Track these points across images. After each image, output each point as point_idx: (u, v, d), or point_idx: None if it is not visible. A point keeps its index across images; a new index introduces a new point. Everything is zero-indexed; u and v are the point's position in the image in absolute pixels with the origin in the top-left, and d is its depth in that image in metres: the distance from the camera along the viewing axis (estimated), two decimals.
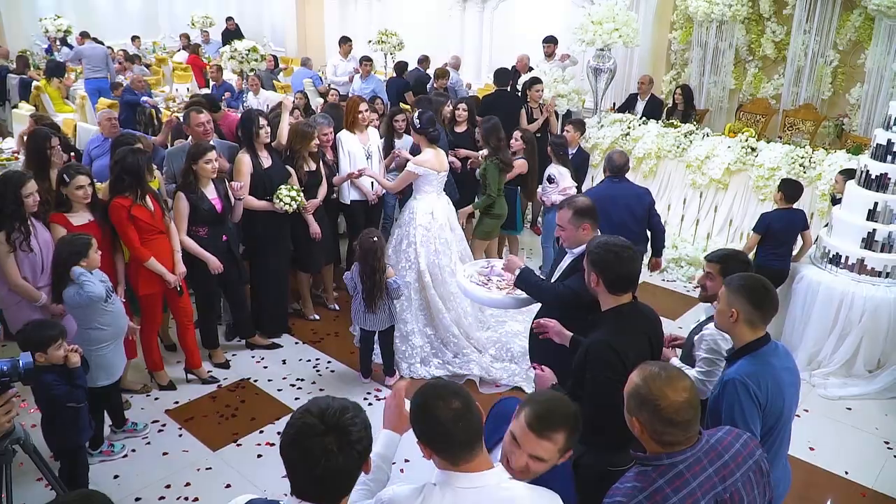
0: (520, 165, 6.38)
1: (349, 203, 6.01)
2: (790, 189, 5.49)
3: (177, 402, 4.83)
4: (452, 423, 1.92)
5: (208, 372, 5.12)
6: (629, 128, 7.97)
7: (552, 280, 3.60)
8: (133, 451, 4.34)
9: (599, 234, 3.40)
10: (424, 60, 10.71)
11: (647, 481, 2.04)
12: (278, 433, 4.47)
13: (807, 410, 4.94)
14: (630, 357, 2.64)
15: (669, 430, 2.03)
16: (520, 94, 7.98)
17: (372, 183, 5.97)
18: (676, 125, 7.77)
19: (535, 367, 3.11)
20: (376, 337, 5.03)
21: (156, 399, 4.86)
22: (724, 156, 7.21)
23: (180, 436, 4.50)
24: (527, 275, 3.62)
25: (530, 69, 9.10)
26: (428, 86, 9.65)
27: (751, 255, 5.68)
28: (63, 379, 3.55)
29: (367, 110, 5.93)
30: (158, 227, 4.55)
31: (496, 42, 12.31)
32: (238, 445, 4.42)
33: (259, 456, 4.33)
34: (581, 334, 3.39)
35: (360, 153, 5.90)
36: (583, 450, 2.66)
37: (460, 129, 6.85)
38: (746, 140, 7.21)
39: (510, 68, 9.19)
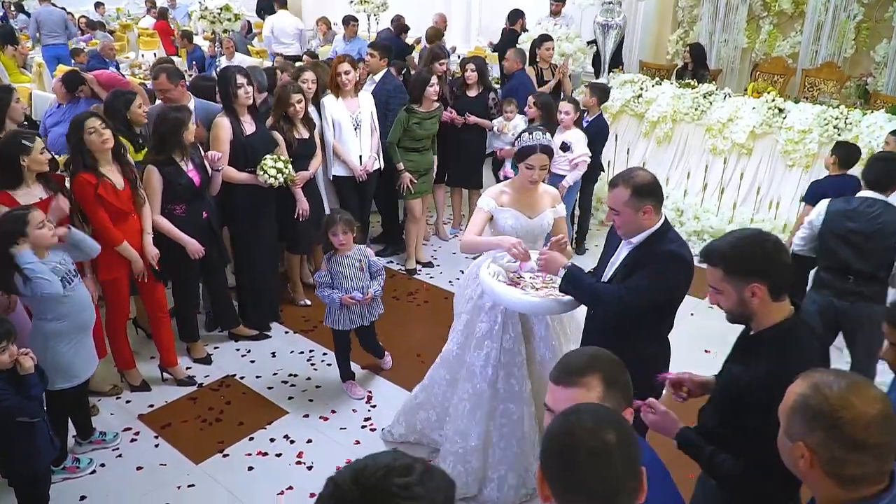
0: None
1: (332, 178, 5.39)
2: (846, 153, 4.90)
3: (151, 406, 4.19)
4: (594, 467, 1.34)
5: (187, 369, 4.47)
6: (641, 89, 7.34)
7: (605, 279, 2.89)
8: (102, 465, 3.72)
9: (664, 217, 2.76)
10: (398, 20, 9.40)
11: None
12: (271, 440, 3.89)
13: None
14: None
15: (855, 457, 1.42)
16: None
17: (360, 157, 5.31)
18: (693, 86, 7.15)
19: (644, 405, 2.28)
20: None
21: (127, 402, 4.22)
22: (749, 118, 6.61)
23: (157, 446, 3.87)
24: (576, 276, 2.85)
25: (525, 30, 8.43)
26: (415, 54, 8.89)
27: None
28: (12, 388, 2.91)
29: (347, 72, 5.19)
30: (126, 208, 3.88)
31: (486, 1, 11.56)
32: (225, 456, 3.81)
33: (250, 469, 3.72)
34: (636, 348, 2.73)
35: (346, 121, 5.24)
36: None
37: (472, 92, 6.16)
38: (773, 101, 6.62)
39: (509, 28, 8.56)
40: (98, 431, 3.84)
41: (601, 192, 6.89)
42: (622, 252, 2.81)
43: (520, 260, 3.23)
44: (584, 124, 5.83)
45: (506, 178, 6.07)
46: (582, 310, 3.12)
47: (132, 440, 3.90)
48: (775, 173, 6.55)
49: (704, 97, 6.94)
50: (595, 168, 6.05)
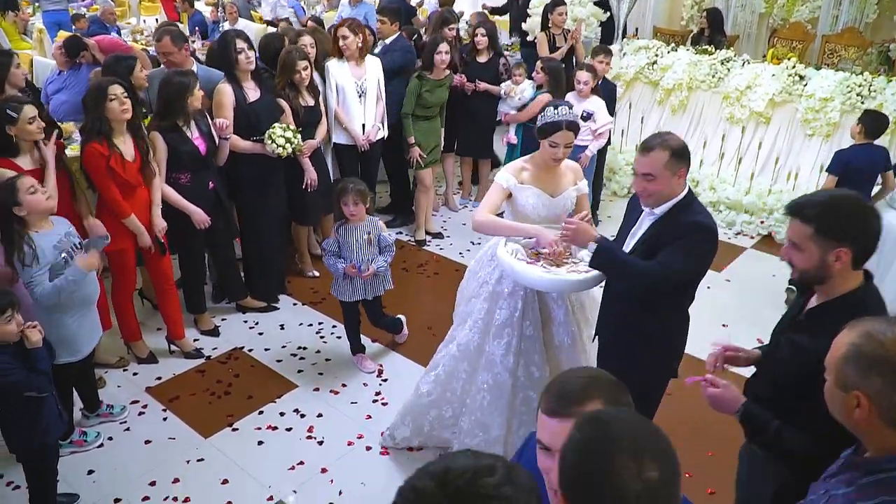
0: (544, 100, 5.59)
1: (333, 146, 5.25)
2: (873, 121, 4.73)
3: (159, 379, 4.12)
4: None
5: (194, 341, 4.39)
6: (656, 56, 7.14)
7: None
8: (110, 439, 3.65)
9: (688, 186, 2.61)
10: None
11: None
12: (281, 414, 3.81)
13: None
14: None
15: None
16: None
17: (364, 125, 5.16)
18: (711, 52, 6.95)
19: (703, 381, 2.15)
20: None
21: (134, 375, 4.15)
22: (768, 85, 6.42)
23: (165, 419, 3.81)
24: (609, 250, 2.63)
25: None
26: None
27: None
28: (18, 362, 2.82)
29: (345, 37, 4.97)
30: (133, 181, 3.76)
31: None
32: (234, 430, 3.74)
33: (260, 443, 3.65)
34: (660, 319, 2.67)
35: (350, 87, 5.08)
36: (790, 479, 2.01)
37: (482, 58, 5.98)
38: (793, 67, 6.42)
39: None
40: (105, 404, 3.78)
41: (611, 162, 6.75)
42: (644, 223, 2.67)
43: (553, 258, 3.03)
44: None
45: (509, 144, 5.96)
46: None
47: (140, 413, 3.84)
48: (794, 143, 6.38)
49: (722, 64, 6.75)
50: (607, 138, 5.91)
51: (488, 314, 3.31)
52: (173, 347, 4.31)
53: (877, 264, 4.78)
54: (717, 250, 2.62)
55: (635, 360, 2.66)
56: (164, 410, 3.86)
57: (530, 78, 5.85)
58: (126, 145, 3.71)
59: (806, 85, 6.30)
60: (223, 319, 4.68)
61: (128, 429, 3.72)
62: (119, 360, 4.19)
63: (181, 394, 3.99)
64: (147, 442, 3.63)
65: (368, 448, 3.63)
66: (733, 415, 2.10)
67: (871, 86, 6.06)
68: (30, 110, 3.40)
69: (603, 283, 2.91)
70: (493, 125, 6.21)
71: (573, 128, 3.06)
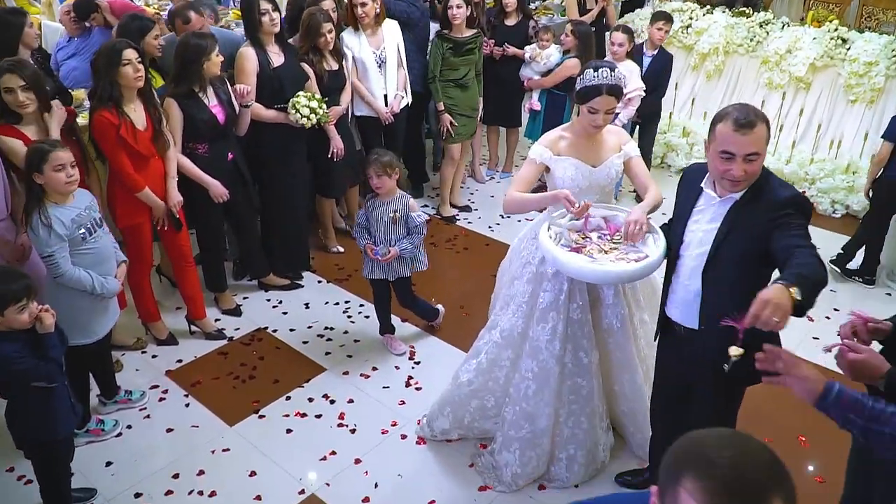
0: (571, 66, 5.29)
1: (354, 119, 4.94)
2: None
3: (180, 361, 3.90)
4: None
5: (216, 321, 4.17)
6: (691, 18, 6.79)
7: (690, 243, 2.41)
8: (129, 427, 3.45)
9: None
10: None
11: None
12: (309, 399, 3.60)
13: None
14: None
15: None
16: None
17: (385, 96, 4.87)
18: (749, 14, 6.60)
19: (843, 347, 1.87)
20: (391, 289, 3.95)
21: (153, 357, 3.93)
22: (809, 49, 6.09)
23: (187, 406, 3.60)
24: (801, 268, 1.96)
25: None
26: None
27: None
28: (28, 350, 2.59)
29: (363, 3, 4.59)
30: (145, 152, 3.50)
31: None
32: (261, 417, 3.53)
33: (289, 431, 3.44)
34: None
35: (369, 59, 4.76)
36: None
37: (510, 21, 5.66)
38: (835, 30, 6.09)
39: None
40: (123, 390, 3.57)
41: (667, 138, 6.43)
42: (718, 210, 2.30)
43: (576, 216, 2.78)
44: (646, 60, 5.36)
45: (531, 110, 5.66)
46: (658, 273, 2.72)
47: (160, 399, 3.63)
48: (836, 109, 6.07)
49: (761, 27, 6.40)
50: (655, 111, 5.59)
51: (532, 297, 3.06)
52: (194, 328, 4.09)
53: None
54: None
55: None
56: (186, 396, 3.65)
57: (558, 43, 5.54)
58: (137, 113, 3.45)
59: (849, 49, 5.97)
60: (245, 298, 4.45)
61: (147, 416, 3.51)
62: (137, 341, 3.97)
63: (203, 378, 3.77)
64: (169, 430, 3.43)
65: (404, 437, 3.41)
66: (876, 382, 1.85)
67: None
68: (9, 80, 3.10)
69: (664, 276, 2.61)
70: (522, 92, 5.91)
71: (615, 92, 2.76)
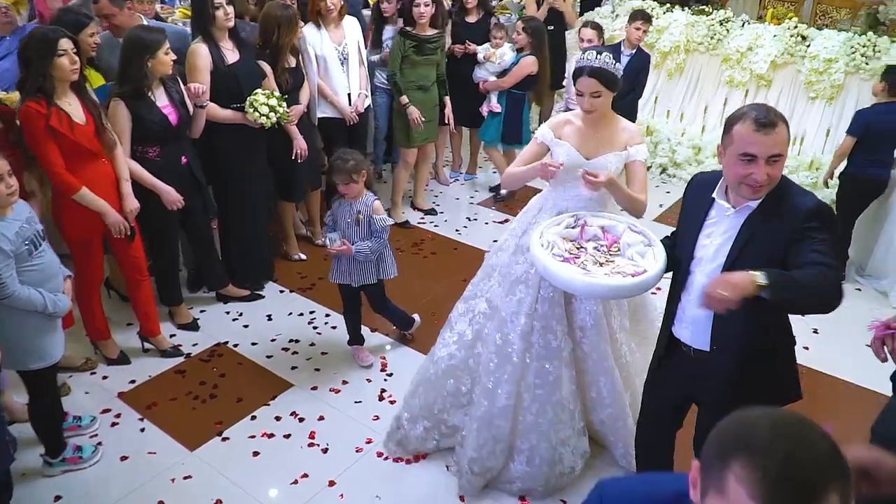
0: (528, 64, 5.15)
1: (316, 123, 4.68)
2: None
3: (133, 382, 3.61)
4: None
5: (171, 337, 3.89)
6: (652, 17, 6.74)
7: (702, 255, 2.21)
8: (78, 456, 3.14)
9: None
10: None
11: None
12: (277, 418, 3.36)
13: None
14: None
15: None
16: None
17: (350, 95, 4.65)
18: (708, 12, 6.59)
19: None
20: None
21: (104, 379, 3.63)
22: (770, 47, 6.10)
23: (143, 430, 3.32)
24: (783, 280, 1.90)
25: None
26: None
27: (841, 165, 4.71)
28: None
29: None
30: (91, 149, 3.22)
31: None
32: (224, 440, 3.27)
33: (255, 454, 3.19)
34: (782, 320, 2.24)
35: (331, 56, 4.55)
36: None
37: (471, 18, 5.50)
38: (795, 27, 6.11)
39: None
40: (71, 416, 3.26)
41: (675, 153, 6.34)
42: (733, 222, 2.11)
43: (543, 177, 2.74)
44: (623, 59, 5.25)
45: (490, 113, 5.46)
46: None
47: (113, 424, 3.34)
48: (797, 106, 6.10)
49: (721, 24, 6.40)
50: (633, 112, 5.46)
51: (507, 267, 2.97)
52: (147, 345, 3.80)
53: None
54: None
55: (763, 383, 2.26)
56: (142, 420, 3.37)
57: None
58: (73, 107, 3.15)
59: (809, 46, 6.01)
60: (202, 311, 4.18)
61: (100, 443, 3.21)
62: (85, 362, 3.67)
63: (160, 399, 3.49)
64: (123, 458, 3.14)
65: (380, 454, 3.21)
66: None
67: (875, 46, 5.78)
68: None
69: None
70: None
71: (597, 75, 2.64)
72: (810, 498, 0.95)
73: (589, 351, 2.95)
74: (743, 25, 6.37)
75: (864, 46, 5.80)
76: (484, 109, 5.51)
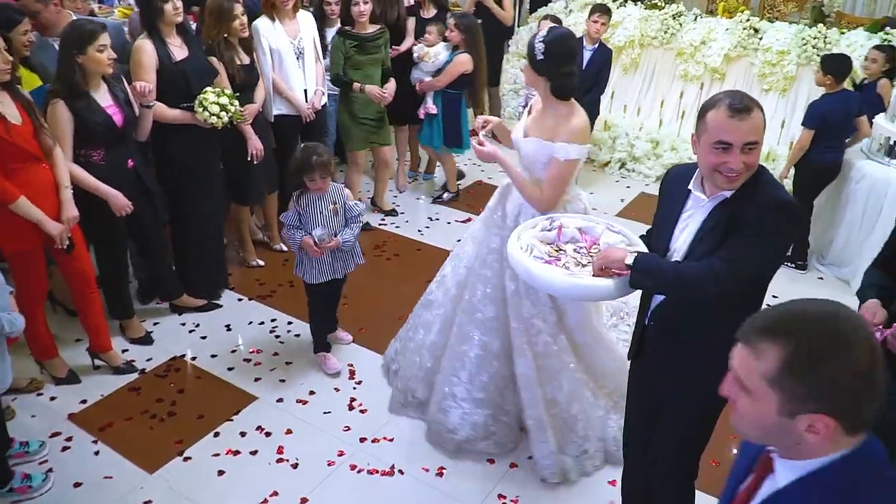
0: (463, 62, 4.97)
1: (272, 120, 4.48)
2: (838, 65, 4.53)
3: (84, 402, 3.38)
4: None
5: (123, 352, 3.66)
6: None
7: (678, 250, 2.11)
8: (27, 485, 2.90)
9: None
10: None
11: None
12: (242, 434, 3.18)
13: None
14: None
15: None
16: None
17: (306, 91, 4.48)
18: (660, 7, 6.60)
19: None
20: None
21: (52, 400, 3.39)
22: (723, 40, 6.14)
23: (97, 453, 3.09)
24: (649, 263, 2.06)
25: None
26: None
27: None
28: None
29: None
30: (30, 151, 2.99)
31: None
32: (186, 460, 3.07)
33: (220, 473, 3.00)
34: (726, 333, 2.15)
35: (286, 50, 4.38)
36: None
37: (426, 13, 5.36)
38: (748, 20, 6.16)
39: None
40: (18, 442, 3.02)
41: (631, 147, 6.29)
42: (706, 210, 2.03)
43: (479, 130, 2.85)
44: (587, 54, 5.19)
45: (427, 115, 5.23)
46: None
47: (64, 448, 3.10)
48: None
49: (674, 18, 6.42)
50: (595, 109, 5.39)
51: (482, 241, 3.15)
52: (98, 362, 3.56)
53: (859, 221, 4.58)
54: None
55: (699, 380, 2.16)
56: (95, 442, 3.14)
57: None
58: (6, 106, 2.93)
59: (761, 39, 6.06)
60: (155, 324, 3.95)
61: (50, 470, 2.97)
62: (31, 382, 3.42)
63: (114, 419, 3.27)
64: (77, 485, 2.91)
65: (353, 467, 3.05)
66: None
67: (825, 38, 5.87)
68: None
69: None
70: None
71: (526, 54, 2.80)
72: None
73: (514, 315, 3.01)
74: (696, 19, 6.40)
75: (815, 38, 5.88)
76: (421, 112, 5.28)
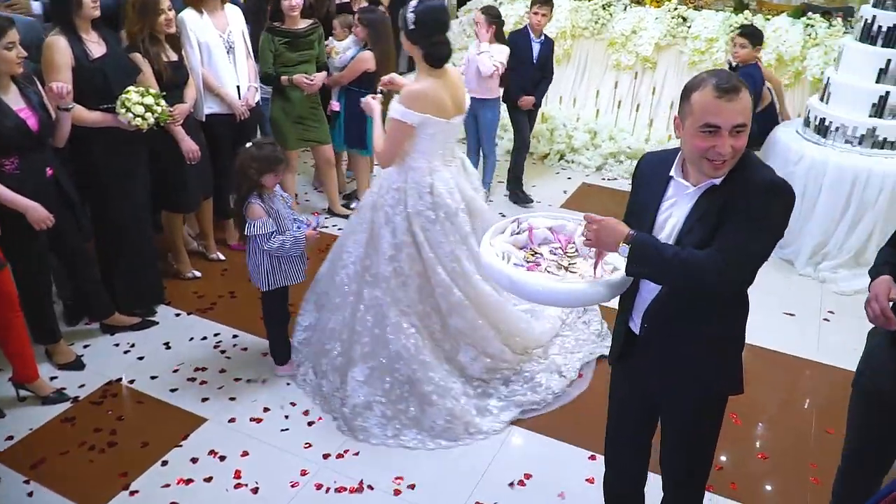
0: (365, 59, 4.68)
1: (204, 119, 4.19)
2: (753, 31, 4.76)
3: (10, 439, 3.04)
4: None
5: (52, 380, 3.33)
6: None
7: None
8: None
9: None
10: None
11: None
12: (193, 460, 2.93)
13: (832, 312, 4.15)
14: None
15: None
16: None
17: (238, 87, 4.22)
18: None
19: None
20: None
21: None
22: (653, 29, 6.19)
23: (30, 494, 2.77)
24: (648, 246, 1.86)
25: None
26: None
27: None
28: None
29: None
30: None
31: None
32: (133, 494, 2.79)
33: None
34: (725, 320, 2.05)
35: (216, 44, 4.11)
36: None
37: (358, 6, 5.16)
38: (676, 9, 6.23)
39: None
40: None
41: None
42: (692, 198, 1.92)
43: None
44: (535, 46, 5.10)
45: (333, 112, 4.93)
46: None
47: None
48: (681, 85, 6.20)
49: (604, 9, 6.43)
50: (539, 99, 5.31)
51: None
52: (24, 393, 3.22)
53: (800, 202, 4.66)
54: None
55: (694, 373, 2.05)
56: (27, 482, 2.81)
57: None
58: None
59: (690, 27, 6.14)
60: (86, 346, 3.63)
61: None
62: None
63: (47, 455, 2.95)
64: None
65: (319, 486, 2.85)
66: None
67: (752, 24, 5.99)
68: None
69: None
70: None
71: (403, 25, 2.93)
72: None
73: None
74: (625, 9, 6.43)
75: (741, 25, 5.97)
76: (328, 109, 4.97)
